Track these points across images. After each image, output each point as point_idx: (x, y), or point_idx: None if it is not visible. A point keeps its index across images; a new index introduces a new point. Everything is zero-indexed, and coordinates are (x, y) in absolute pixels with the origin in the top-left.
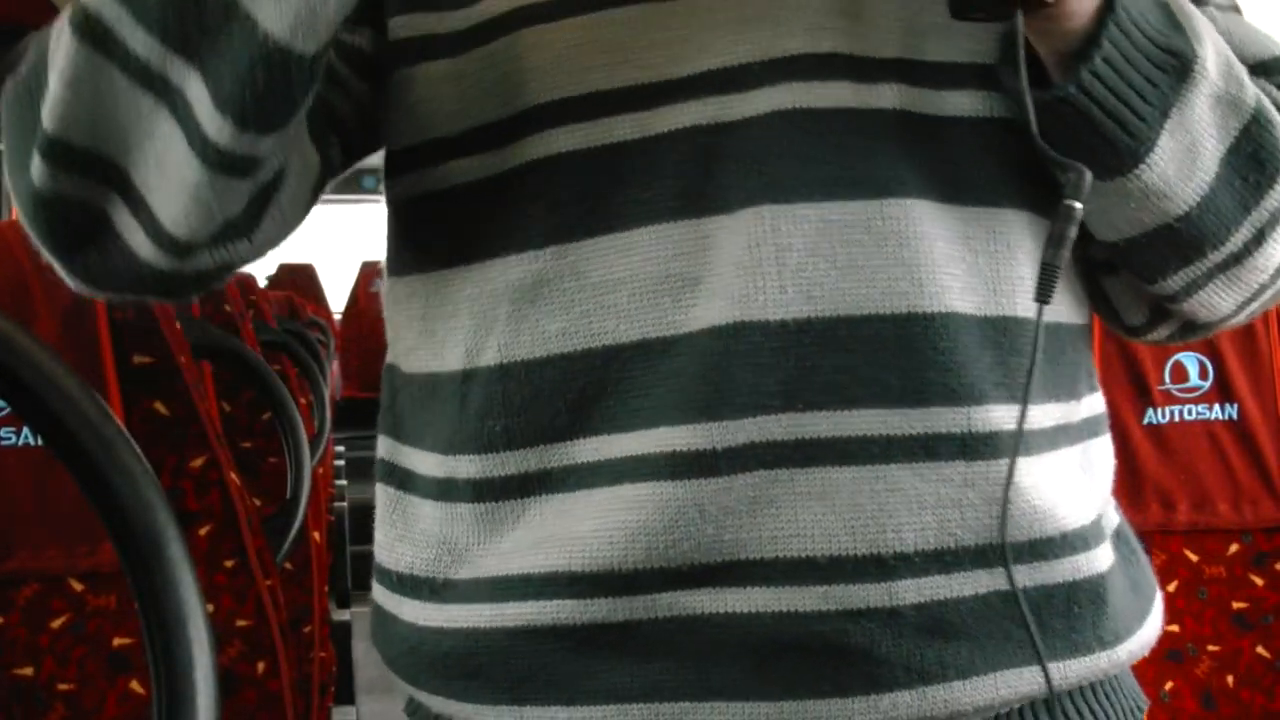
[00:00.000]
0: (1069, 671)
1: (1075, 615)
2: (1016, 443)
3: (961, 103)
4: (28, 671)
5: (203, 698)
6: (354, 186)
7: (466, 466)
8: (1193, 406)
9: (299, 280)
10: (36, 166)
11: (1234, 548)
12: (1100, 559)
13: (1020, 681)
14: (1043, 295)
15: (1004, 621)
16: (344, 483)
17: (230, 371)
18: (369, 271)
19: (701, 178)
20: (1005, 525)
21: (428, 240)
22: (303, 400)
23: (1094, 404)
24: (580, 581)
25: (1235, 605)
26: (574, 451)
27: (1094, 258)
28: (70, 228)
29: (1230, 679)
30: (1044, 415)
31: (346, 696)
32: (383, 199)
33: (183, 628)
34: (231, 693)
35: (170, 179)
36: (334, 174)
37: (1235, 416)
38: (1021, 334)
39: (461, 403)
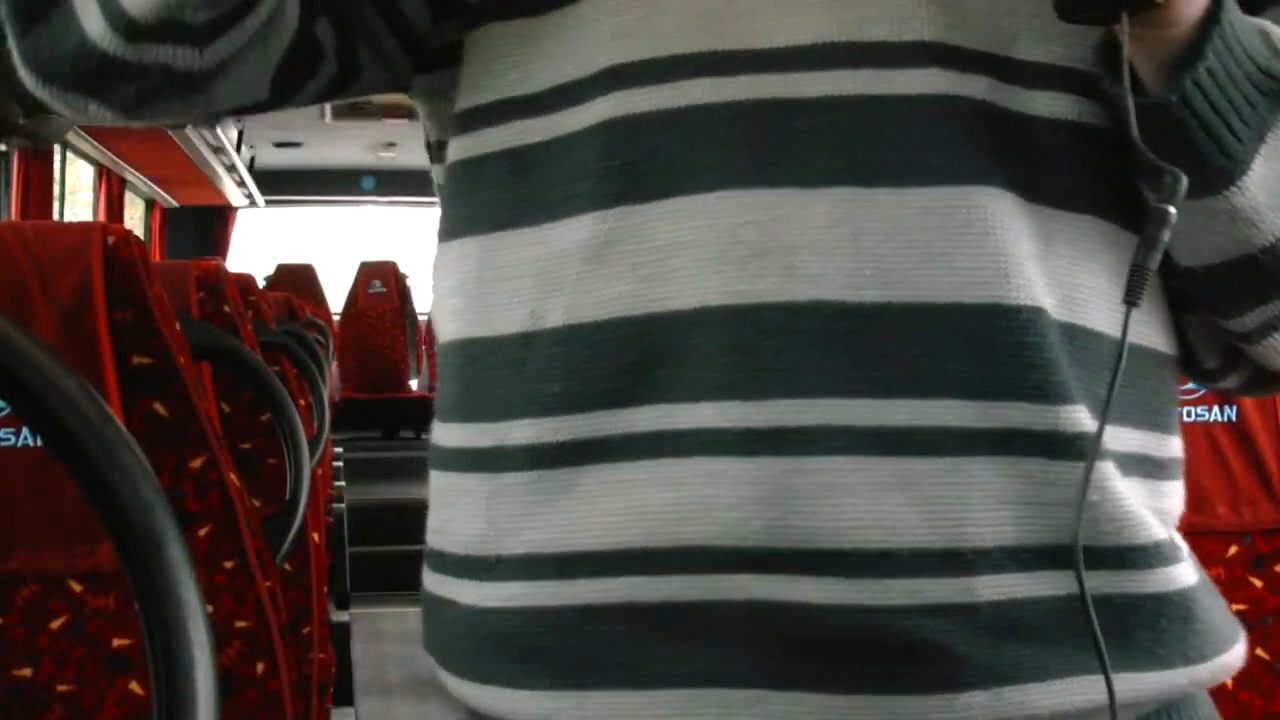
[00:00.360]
0: (1145, 684)
1: (1161, 629)
2: (1096, 443)
3: (1050, 104)
4: (26, 672)
5: (203, 699)
6: (353, 188)
7: (520, 432)
8: (1192, 408)
9: (298, 281)
10: None
11: (1233, 550)
12: (1188, 573)
13: (1094, 690)
14: (1131, 297)
15: (1082, 626)
16: (343, 484)
17: (229, 372)
18: (368, 273)
19: (777, 149)
20: (1079, 526)
21: (489, 201)
22: (301, 401)
23: (1176, 446)
24: (656, 558)
25: (1234, 607)
26: (632, 419)
27: (1172, 289)
28: None
29: (1229, 681)
30: (1122, 438)
31: (345, 698)
32: (381, 201)
33: (183, 629)
34: (230, 694)
35: None
36: (313, 65)
37: (1234, 418)
38: (1091, 345)
39: (520, 366)
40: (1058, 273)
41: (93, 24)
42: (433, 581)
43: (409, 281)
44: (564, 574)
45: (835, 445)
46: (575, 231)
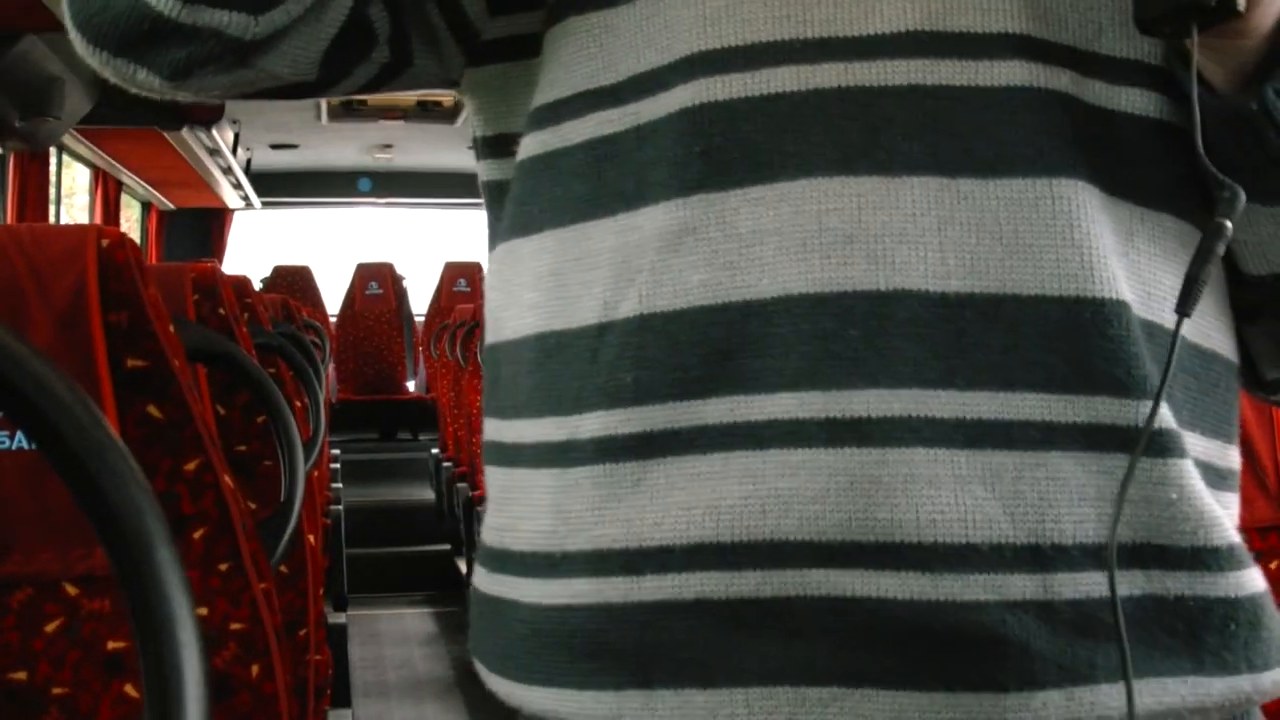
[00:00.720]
0: (1211, 689)
1: (1231, 634)
2: (1143, 439)
3: (1133, 100)
4: (21, 676)
5: (192, 702)
6: (350, 189)
7: (590, 423)
8: None
9: (294, 283)
10: None
11: None
12: (1258, 579)
13: (1164, 692)
14: (1183, 307)
15: (1156, 628)
16: (340, 485)
17: (225, 375)
18: (364, 274)
19: (862, 138)
20: (1116, 523)
21: (568, 194)
22: (298, 403)
23: (1236, 458)
24: (730, 552)
25: None
26: (704, 411)
27: (1238, 298)
28: None
29: None
30: (1191, 444)
31: (342, 700)
32: (377, 202)
33: (172, 631)
34: (226, 696)
35: None
36: (365, 48)
37: None
38: (1169, 345)
39: (593, 357)
40: (1139, 269)
41: None
42: (489, 582)
43: (405, 283)
44: (633, 570)
45: (919, 437)
46: (652, 219)
